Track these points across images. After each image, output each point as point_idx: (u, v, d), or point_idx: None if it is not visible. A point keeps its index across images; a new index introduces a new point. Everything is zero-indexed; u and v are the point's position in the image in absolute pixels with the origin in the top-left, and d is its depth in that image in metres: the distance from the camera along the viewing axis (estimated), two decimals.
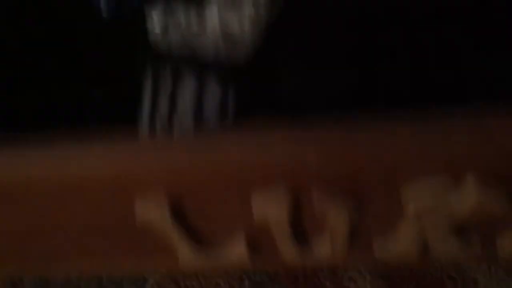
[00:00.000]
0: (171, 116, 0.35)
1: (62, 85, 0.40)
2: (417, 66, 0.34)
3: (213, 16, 0.35)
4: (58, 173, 0.33)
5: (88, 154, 0.32)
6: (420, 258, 0.33)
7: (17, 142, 0.31)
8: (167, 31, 0.36)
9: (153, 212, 0.34)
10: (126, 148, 0.32)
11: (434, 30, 0.34)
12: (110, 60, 0.40)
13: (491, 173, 0.29)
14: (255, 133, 0.29)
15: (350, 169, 0.30)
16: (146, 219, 0.34)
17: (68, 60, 0.42)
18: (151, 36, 0.37)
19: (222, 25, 0.35)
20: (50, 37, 0.41)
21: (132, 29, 0.38)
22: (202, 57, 0.35)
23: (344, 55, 0.36)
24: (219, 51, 0.36)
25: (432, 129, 0.29)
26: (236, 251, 0.38)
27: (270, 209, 0.34)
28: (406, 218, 0.31)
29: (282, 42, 0.36)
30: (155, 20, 0.36)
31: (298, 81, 0.36)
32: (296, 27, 0.36)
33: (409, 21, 0.34)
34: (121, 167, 0.32)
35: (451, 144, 0.29)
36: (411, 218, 0.32)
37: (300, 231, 0.36)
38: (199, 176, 0.32)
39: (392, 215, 0.31)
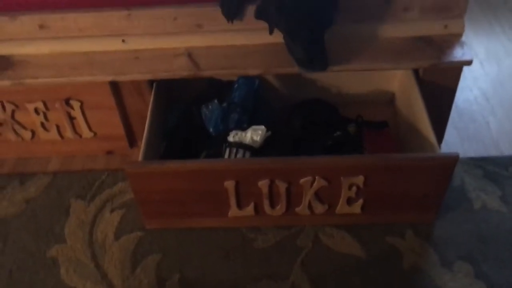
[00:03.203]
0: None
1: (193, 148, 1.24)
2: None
3: (248, 133, 1.20)
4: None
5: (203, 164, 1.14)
6: None
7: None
8: (234, 138, 1.20)
9: (229, 186, 1.13)
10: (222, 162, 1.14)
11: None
12: (212, 143, 1.24)
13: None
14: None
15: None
16: (226, 188, 1.13)
17: (197, 142, 1.26)
18: (229, 139, 1.21)
19: (252, 136, 1.20)
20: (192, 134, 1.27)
21: (222, 137, 1.23)
22: (244, 145, 1.19)
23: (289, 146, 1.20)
24: (250, 144, 1.19)
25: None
26: (249, 211, 1.18)
27: (264, 189, 1.14)
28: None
29: (269, 143, 1.21)
30: (231, 135, 1.20)
31: (274, 153, 1.19)
32: (273, 140, 1.21)
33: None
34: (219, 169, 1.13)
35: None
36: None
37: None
38: (243, 175, 1.13)
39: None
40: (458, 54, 1.21)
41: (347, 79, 1.42)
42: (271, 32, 1.15)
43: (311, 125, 1.29)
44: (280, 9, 1.09)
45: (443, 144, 1.41)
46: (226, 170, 1.12)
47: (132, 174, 1.12)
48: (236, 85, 1.30)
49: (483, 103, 1.54)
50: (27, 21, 1.23)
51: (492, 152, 1.40)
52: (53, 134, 1.38)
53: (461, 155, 1.36)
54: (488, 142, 1.43)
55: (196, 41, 1.26)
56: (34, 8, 1.22)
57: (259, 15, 1.14)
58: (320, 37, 1.13)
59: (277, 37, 1.16)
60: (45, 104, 1.32)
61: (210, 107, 1.27)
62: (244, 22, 1.22)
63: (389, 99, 1.48)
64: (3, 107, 1.32)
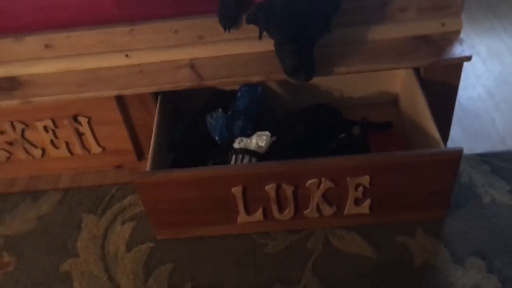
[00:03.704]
0: None
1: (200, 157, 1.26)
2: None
3: (253, 139, 1.21)
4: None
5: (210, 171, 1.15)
6: None
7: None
8: (239, 144, 1.21)
9: (237, 192, 1.14)
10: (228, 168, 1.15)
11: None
12: (217, 151, 1.26)
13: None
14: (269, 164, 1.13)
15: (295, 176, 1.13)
16: (233, 194, 1.15)
17: (203, 151, 1.28)
18: (234, 145, 1.22)
19: (257, 142, 1.21)
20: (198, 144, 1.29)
21: (228, 144, 1.24)
22: (250, 151, 1.20)
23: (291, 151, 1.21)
24: (256, 149, 1.21)
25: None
26: (258, 216, 1.19)
27: (271, 194, 1.15)
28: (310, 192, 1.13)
29: (274, 148, 1.22)
30: (236, 141, 1.22)
31: (279, 158, 1.20)
32: (278, 145, 1.22)
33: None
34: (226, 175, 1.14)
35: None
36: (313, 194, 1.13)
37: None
38: (250, 180, 1.14)
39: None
40: (457, 50, 1.22)
41: (350, 83, 1.43)
42: (260, 37, 1.17)
43: (316, 130, 1.30)
44: (268, 18, 1.11)
45: (449, 142, 1.41)
46: (233, 176, 1.13)
47: (140, 184, 1.13)
48: (239, 94, 1.32)
49: (488, 100, 1.54)
50: (33, 42, 1.27)
51: (499, 147, 1.39)
52: (63, 151, 1.41)
53: (467, 152, 1.38)
54: (494, 138, 1.43)
55: (198, 52, 1.28)
56: (39, 29, 1.26)
57: (249, 21, 1.16)
58: (308, 49, 1.14)
59: None
60: (53, 121, 1.34)
61: (214, 116, 1.29)
62: (244, 31, 1.24)
63: (393, 100, 1.49)
64: (13, 127, 1.35)
